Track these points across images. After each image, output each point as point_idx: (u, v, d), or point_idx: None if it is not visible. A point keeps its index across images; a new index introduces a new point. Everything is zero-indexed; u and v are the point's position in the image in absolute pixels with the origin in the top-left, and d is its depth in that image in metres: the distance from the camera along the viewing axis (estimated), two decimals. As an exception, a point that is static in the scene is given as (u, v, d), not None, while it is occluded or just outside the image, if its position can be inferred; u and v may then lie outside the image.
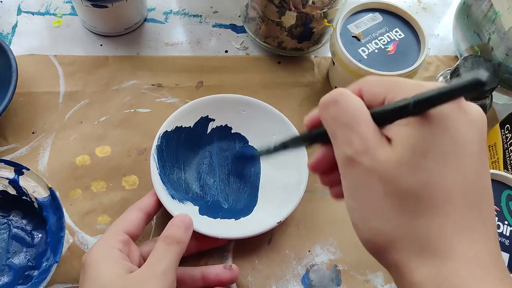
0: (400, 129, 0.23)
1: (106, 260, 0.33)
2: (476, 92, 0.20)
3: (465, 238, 0.22)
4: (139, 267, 0.34)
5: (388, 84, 0.24)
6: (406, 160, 0.22)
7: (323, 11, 0.47)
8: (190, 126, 0.45)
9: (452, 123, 0.22)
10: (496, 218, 0.38)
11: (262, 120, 0.46)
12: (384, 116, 0.24)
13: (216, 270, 0.38)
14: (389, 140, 0.23)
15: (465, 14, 0.50)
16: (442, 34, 0.57)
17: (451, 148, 0.22)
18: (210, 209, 0.42)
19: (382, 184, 0.22)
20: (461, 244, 0.22)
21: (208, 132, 0.46)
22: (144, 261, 0.35)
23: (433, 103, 0.21)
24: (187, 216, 0.38)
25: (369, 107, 0.24)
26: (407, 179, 0.22)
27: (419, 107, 0.22)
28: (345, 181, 0.25)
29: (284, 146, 0.31)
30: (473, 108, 0.23)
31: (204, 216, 0.41)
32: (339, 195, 0.28)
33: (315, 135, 0.28)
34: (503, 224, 0.37)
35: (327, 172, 0.28)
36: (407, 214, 0.22)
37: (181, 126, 0.45)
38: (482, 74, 0.19)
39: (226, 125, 0.46)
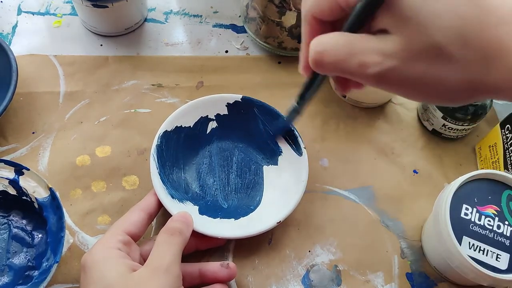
0: (381, 18, 0.23)
1: (107, 260, 0.33)
2: None
3: None
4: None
5: None
6: (410, 29, 0.22)
7: (323, 11, 0.47)
8: (190, 126, 0.45)
9: None
10: (497, 219, 0.38)
11: (263, 120, 0.46)
12: (359, 21, 0.24)
13: (213, 268, 0.38)
14: (384, 31, 0.23)
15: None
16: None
17: None
18: (210, 209, 0.42)
19: (418, 59, 0.22)
20: None
21: (208, 132, 0.46)
22: (145, 261, 0.35)
23: None
24: (187, 213, 0.38)
25: (334, 20, 0.25)
26: (428, 38, 0.22)
27: None
28: (395, 88, 0.24)
29: (302, 97, 0.33)
30: None
31: (204, 215, 0.41)
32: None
33: (323, 78, 0.28)
34: (504, 224, 0.37)
35: (355, 83, 0.29)
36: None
37: (181, 125, 0.45)
38: None
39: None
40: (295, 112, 0.35)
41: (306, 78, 0.30)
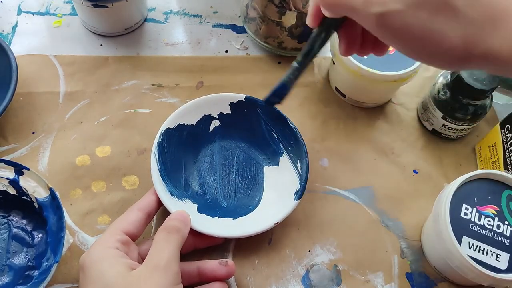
0: None
1: (105, 260, 0.33)
2: None
3: None
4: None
5: None
6: None
7: (323, 11, 0.47)
8: (192, 124, 0.45)
9: None
10: (496, 219, 0.38)
11: (266, 120, 0.46)
12: None
13: (212, 266, 0.38)
14: None
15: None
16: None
17: None
18: (209, 208, 0.42)
19: (423, 6, 0.22)
20: None
21: (210, 131, 0.46)
22: (143, 260, 0.35)
23: None
24: (185, 211, 0.38)
25: None
26: None
27: None
28: (394, 34, 0.24)
29: (306, 55, 0.31)
30: None
31: (203, 214, 0.41)
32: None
33: (328, 25, 0.28)
34: (504, 224, 0.37)
35: (357, 47, 0.29)
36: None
37: (184, 123, 0.45)
38: None
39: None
40: (296, 72, 0.33)
41: (312, 33, 0.30)
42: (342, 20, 0.28)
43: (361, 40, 0.30)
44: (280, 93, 0.36)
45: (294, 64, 0.32)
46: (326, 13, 0.26)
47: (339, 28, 0.29)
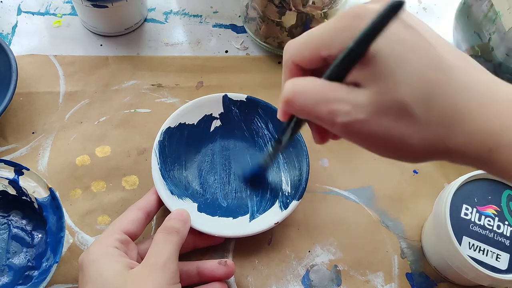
0: (357, 72, 0.24)
1: (103, 259, 0.33)
2: (398, 11, 0.21)
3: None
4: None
5: (313, 41, 0.26)
6: (381, 85, 0.23)
7: (323, 11, 0.47)
8: (193, 124, 0.45)
9: (393, 45, 0.23)
10: (497, 219, 0.38)
11: (267, 120, 0.46)
12: (338, 73, 0.24)
13: (211, 266, 0.38)
14: (357, 84, 0.24)
15: (466, 14, 0.50)
16: (442, 34, 0.56)
17: (405, 54, 0.23)
18: (209, 207, 0.42)
19: (385, 114, 0.23)
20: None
21: (211, 130, 0.46)
22: (142, 259, 0.35)
23: (370, 37, 0.22)
24: (185, 210, 0.38)
25: (314, 70, 0.26)
26: (396, 95, 0.23)
27: (361, 47, 0.23)
28: (359, 139, 0.25)
29: (279, 141, 0.32)
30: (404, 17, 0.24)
31: (202, 213, 0.41)
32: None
33: (298, 120, 0.29)
34: (504, 224, 0.37)
35: (331, 135, 0.29)
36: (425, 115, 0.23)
37: (185, 123, 0.45)
38: None
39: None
40: (269, 157, 0.35)
41: (283, 123, 0.30)
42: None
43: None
44: (256, 176, 0.41)
45: (269, 149, 0.34)
46: (288, 111, 0.27)
47: (309, 122, 0.29)
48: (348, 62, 0.24)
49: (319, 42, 0.25)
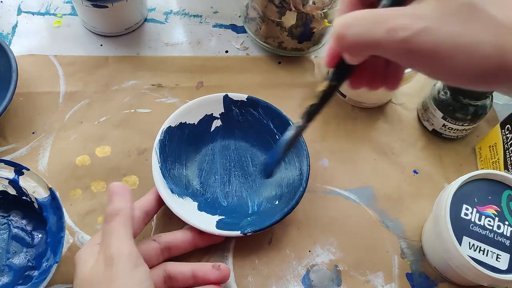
0: None
1: (85, 256, 0.33)
2: None
3: None
4: None
5: None
6: None
7: (323, 11, 0.47)
8: (194, 123, 0.45)
9: None
10: (497, 219, 0.38)
11: (267, 120, 0.46)
12: None
13: (204, 269, 0.38)
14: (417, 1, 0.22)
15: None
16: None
17: None
18: (209, 206, 0.42)
19: (453, 17, 0.21)
20: None
21: (212, 130, 0.46)
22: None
23: None
24: (117, 184, 0.35)
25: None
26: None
27: None
28: (425, 57, 0.22)
29: (312, 111, 0.28)
30: None
31: (203, 212, 0.41)
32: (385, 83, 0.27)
33: (345, 70, 0.26)
34: (504, 224, 0.37)
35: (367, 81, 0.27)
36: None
37: (185, 122, 0.45)
38: None
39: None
40: (299, 131, 0.29)
41: (317, 90, 0.27)
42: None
43: (371, 74, 0.28)
44: (278, 163, 0.31)
45: (297, 123, 0.29)
46: (349, 59, 0.24)
47: (351, 73, 0.26)
48: None
49: None
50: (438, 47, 0.21)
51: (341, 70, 0.26)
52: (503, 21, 0.20)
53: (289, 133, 0.29)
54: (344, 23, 0.22)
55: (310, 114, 0.28)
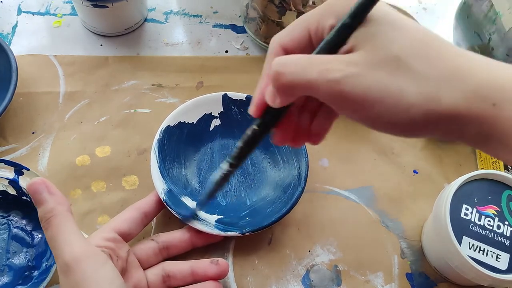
0: (355, 36, 0.24)
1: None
2: None
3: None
4: (125, 265, 0.35)
5: (302, 19, 0.26)
6: (375, 43, 0.23)
7: (323, 11, 0.47)
8: (193, 122, 0.45)
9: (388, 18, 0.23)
10: (497, 219, 0.38)
11: None
12: (332, 45, 0.24)
13: (203, 265, 0.38)
14: (349, 51, 0.24)
15: (466, 14, 0.50)
16: (442, 34, 0.57)
17: (400, 20, 0.23)
18: (208, 205, 0.42)
19: (380, 67, 0.22)
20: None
21: (211, 129, 0.46)
22: (138, 260, 0.36)
23: (364, 9, 0.23)
24: (32, 181, 0.31)
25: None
26: (392, 50, 0.22)
27: (356, 18, 0.23)
28: (353, 100, 0.23)
29: (239, 156, 0.29)
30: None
31: (201, 211, 0.41)
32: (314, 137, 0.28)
33: (271, 119, 0.27)
34: (504, 224, 0.37)
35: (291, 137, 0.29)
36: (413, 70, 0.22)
37: (184, 121, 0.45)
38: None
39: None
40: (227, 175, 0.30)
41: (246, 133, 0.29)
42: (286, 108, 0.26)
43: (295, 130, 0.29)
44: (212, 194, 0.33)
45: (223, 167, 0.30)
46: (278, 101, 0.25)
47: (280, 118, 0.27)
48: (342, 34, 0.23)
49: (309, 19, 0.25)
50: (368, 90, 0.22)
51: (268, 120, 0.27)
52: (426, 74, 0.22)
53: (217, 175, 0.30)
54: (283, 62, 0.24)
55: (238, 159, 0.29)
